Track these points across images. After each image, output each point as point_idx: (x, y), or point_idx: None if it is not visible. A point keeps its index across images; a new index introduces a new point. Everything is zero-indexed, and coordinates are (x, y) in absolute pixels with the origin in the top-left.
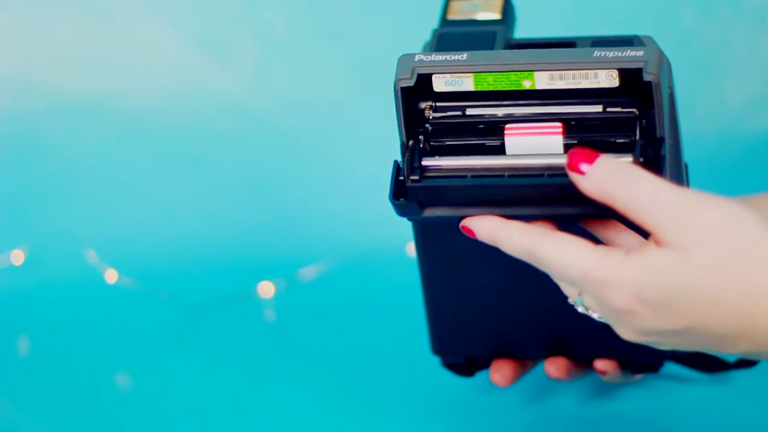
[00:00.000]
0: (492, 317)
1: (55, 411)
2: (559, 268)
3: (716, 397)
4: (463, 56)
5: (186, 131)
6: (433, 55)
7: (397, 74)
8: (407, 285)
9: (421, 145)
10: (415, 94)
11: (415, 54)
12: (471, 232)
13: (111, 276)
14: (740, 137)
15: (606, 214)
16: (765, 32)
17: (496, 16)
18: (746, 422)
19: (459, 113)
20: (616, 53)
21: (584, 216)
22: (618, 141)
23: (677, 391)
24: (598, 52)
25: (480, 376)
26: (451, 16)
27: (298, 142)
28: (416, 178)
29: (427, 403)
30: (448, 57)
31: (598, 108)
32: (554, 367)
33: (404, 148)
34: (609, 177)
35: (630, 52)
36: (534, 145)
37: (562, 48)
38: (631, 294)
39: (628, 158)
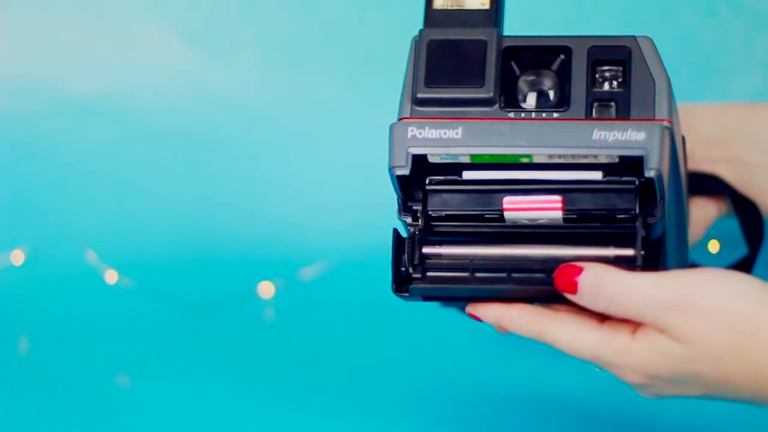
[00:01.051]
0: None
1: (54, 411)
2: (570, 351)
3: None
4: (458, 133)
5: (186, 131)
6: (426, 130)
7: (390, 158)
8: None
9: (421, 224)
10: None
11: (407, 126)
12: (477, 317)
13: (111, 276)
14: None
15: None
16: (765, 32)
17: (485, 5)
18: None
19: (455, 177)
20: (617, 135)
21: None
22: (619, 216)
23: None
24: (597, 133)
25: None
26: (437, 5)
27: (299, 142)
28: (419, 276)
29: (429, 400)
30: (442, 134)
31: (598, 174)
32: None
33: (403, 206)
34: (598, 296)
35: (631, 134)
36: (533, 217)
37: (559, 113)
38: (642, 374)
39: (629, 251)
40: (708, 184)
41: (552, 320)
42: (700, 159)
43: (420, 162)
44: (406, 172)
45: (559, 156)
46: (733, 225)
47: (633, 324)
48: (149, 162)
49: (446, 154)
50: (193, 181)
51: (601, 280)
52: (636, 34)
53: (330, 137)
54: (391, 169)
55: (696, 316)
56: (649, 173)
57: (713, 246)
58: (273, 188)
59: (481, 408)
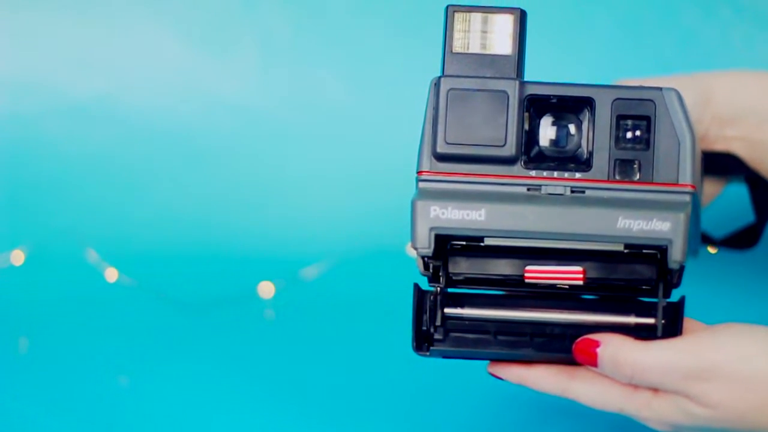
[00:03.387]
0: None
1: (55, 410)
2: (595, 406)
3: None
4: (481, 215)
5: (186, 131)
6: (449, 210)
7: (413, 239)
8: (407, 285)
9: (442, 284)
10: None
11: (430, 204)
12: (498, 376)
13: (111, 275)
14: None
15: None
16: (765, 32)
17: (507, 51)
18: None
19: (477, 243)
20: (641, 225)
21: None
22: (642, 287)
23: None
24: (622, 221)
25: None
26: (456, 49)
27: (299, 142)
28: (440, 338)
29: (428, 400)
30: (465, 215)
31: (620, 246)
32: None
33: (424, 265)
34: (617, 370)
35: (656, 223)
36: (554, 284)
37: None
38: (667, 425)
39: (649, 320)
40: (722, 163)
41: (574, 378)
42: (714, 138)
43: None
44: (429, 252)
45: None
46: (742, 192)
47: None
48: (149, 162)
49: (469, 235)
50: (193, 181)
51: (618, 356)
52: (662, 87)
53: (330, 137)
54: (415, 250)
55: (717, 383)
56: (673, 265)
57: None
58: (273, 188)
59: (481, 407)
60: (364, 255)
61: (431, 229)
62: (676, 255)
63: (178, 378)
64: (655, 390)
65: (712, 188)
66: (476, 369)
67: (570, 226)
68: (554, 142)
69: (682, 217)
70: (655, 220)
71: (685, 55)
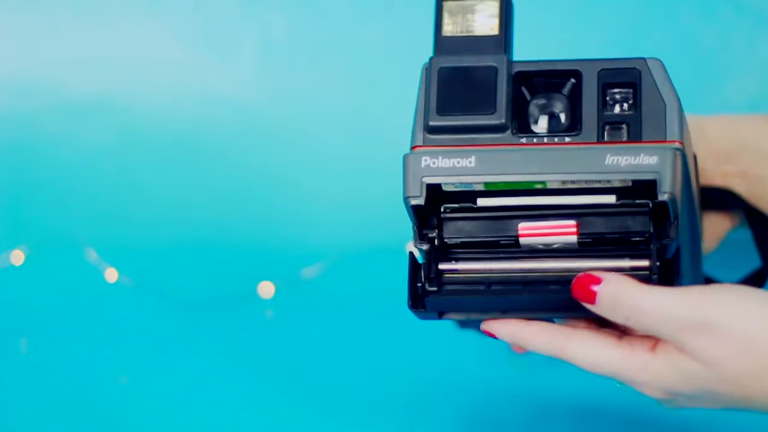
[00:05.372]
0: None
1: (55, 410)
2: (589, 368)
3: None
4: (471, 161)
5: (186, 131)
6: (440, 159)
7: (405, 189)
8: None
9: (436, 243)
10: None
11: (421, 156)
12: (492, 334)
13: (111, 275)
14: None
15: None
16: (765, 32)
17: (494, 31)
18: None
19: (470, 204)
20: (629, 160)
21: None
22: (633, 239)
23: None
24: (610, 158)
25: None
26: (446, 32)
27: (299, 141)
28: (435, 289)
29: (429, 400)
30: (456, 163)
31: (612, 198)
32: None
33: (418, 234)
34: (616, 309)
35: (643, 158)
36: (549, 242)
37: (571, 135)
38: (662, 391)
39: (644, 262)
40: (721, 199)
41: (571, 339)
42: (712, 173)
43: (434, 191)
44: (421, 202)
45: (573, 182)
46: (747, 236)
47: (652, 340)
48: (149, 161)
49: (460, 183)
50: (193, 181)
51: (619, 294)
52: (646, 56)
53: (330, 137)
54: (406, 199)
55: (714, 339)
56: (663, 197)
57: None
58: (273, 188)
59: (481, 407)
60: (364, 254)
61: (423, 177)
62: (665, 186)
63: (178, 378)
64: (652, 347)
65: (715, 230)
66: (479, 369)
67: (559, 166)
68: (547, 127)
69: (669, 151)
70: (642, 155)
71: (685, 55)
